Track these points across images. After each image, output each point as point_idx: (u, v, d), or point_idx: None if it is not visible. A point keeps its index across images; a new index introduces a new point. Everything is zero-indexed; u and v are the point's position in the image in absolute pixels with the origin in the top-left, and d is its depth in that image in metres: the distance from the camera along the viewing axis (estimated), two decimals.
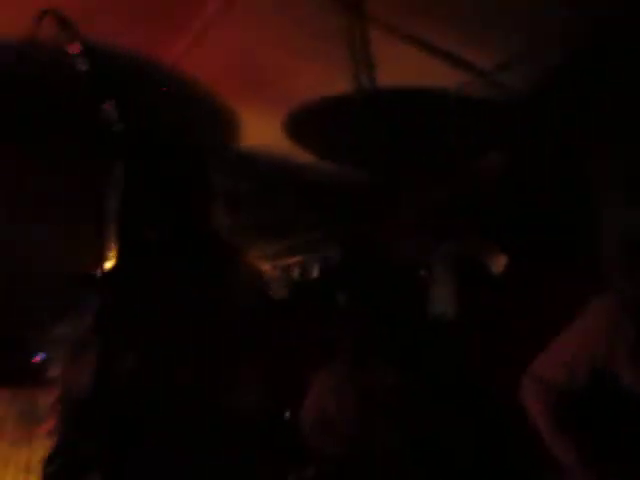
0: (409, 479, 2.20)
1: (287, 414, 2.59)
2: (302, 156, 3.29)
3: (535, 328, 1.87)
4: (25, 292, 2.31)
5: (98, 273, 2.17)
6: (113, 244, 2.16)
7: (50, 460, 2.05)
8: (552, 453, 1.60)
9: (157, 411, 2.05)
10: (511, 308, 2.64)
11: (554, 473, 1.60)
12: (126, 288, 2.15)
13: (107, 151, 2.22)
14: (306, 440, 2.42)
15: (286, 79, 2.76)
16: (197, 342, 2.14)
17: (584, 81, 2.68)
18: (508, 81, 2.61)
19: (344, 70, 2.61)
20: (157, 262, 2.17)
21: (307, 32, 2.46)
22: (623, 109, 2.64)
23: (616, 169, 2.65)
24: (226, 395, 2.20)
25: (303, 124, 3.05)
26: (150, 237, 2.20)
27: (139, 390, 2.06)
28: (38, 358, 2.33)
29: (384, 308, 2.69)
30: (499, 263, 3.06)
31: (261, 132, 3.16)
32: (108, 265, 2.16)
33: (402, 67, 2.64)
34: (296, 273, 3.47)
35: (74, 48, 1.93)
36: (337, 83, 2.70)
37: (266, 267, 3.43)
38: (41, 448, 2.30)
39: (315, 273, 3.26)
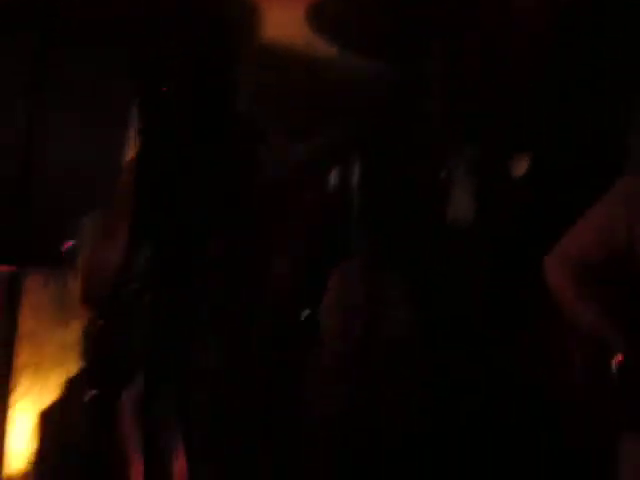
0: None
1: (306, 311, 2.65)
2: (325, 50, 3.22)
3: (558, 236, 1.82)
4: (58, 180, 2.35)
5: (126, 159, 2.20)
6: (138, 123, 2.18)
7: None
8: (580, 327, 1.61)
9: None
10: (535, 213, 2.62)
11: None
12: (152, 169, 2.18)
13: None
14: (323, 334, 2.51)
15: None
16: (226, 217, 2.19)
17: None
18: None
19: None
20: (183, 141, 2.20)
21: None
22: None
23: None
24: (259, 270, 2.28)
25: (326, 16, 2.97)
26: (175, 117, 2.21)
27: (170, 268, 2.14)
28: (69, 244, 2.40)
29: (403, 211, 2.72)
30: (522, 165, 3.04)
31: (283, 23, 3.09)
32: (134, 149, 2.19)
33: None
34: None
35: None
36: None
37: None
38: (77, 329, 2.42)
39: (335, 179, 3.25)
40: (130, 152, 2.33)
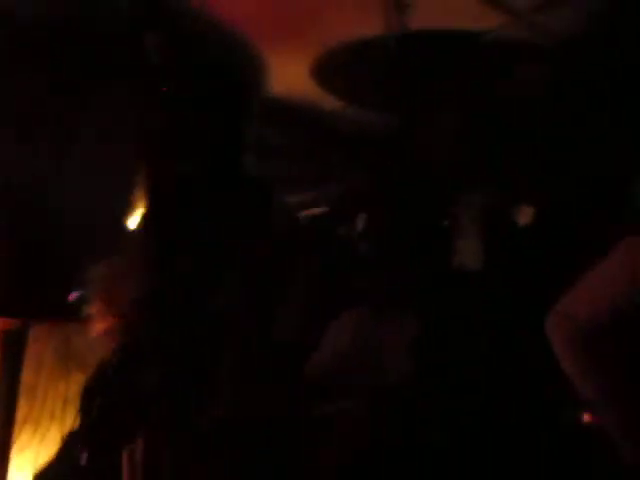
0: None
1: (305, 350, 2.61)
2: (330, 103, 3.27)
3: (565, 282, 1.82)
4: (64, 229, 2.35)
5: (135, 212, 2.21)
6: (148, 178, 2.20)
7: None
8: (578, 390, 1.59)
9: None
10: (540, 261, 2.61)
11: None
12: (160, 226, 2.19)
13: (144, 86, 2.23)
14: (324, 377, 2.46)
15: (316, 24, 2.73)
16: (233, 282, 2.18)
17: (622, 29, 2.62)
18: (546, 23, 2.55)
19: (376, 14, 2.58)
20: (191, 198, 2.21)
21: None
22: None
23: None
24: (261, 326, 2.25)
25: (332, 70, 3.02)
26: (184, 171, 2.23)
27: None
28: (74, 295, 2.38)
29: (406, 258, 2.70)
30: (527, 214, 3.04)
31: (289, 78, 3.14)
32: (144, 202, 2.20)
33: (435, 10, 2.59)
34: (322, 224, 3.47)
35: None
36: (368, 26, 2.67)
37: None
38: (78, 382, 2.38)
39: (341, 225, 3.26)
40: (140, 206, 2.34)
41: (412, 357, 2.40)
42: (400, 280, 2.64)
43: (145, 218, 2.23)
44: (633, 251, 1.56)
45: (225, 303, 2.16)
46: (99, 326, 2.26)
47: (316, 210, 3.73)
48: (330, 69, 3.03)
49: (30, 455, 2.49)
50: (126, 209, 2.32)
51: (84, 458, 2.13)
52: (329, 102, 3.31)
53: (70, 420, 2.39)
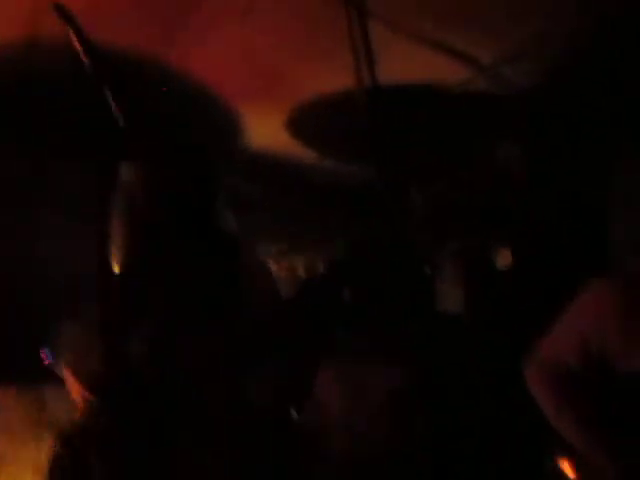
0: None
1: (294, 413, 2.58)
2: (306, 155, 3.30)
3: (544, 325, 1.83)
4: (34, 289, 2.32)
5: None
6: (121, 241, 2.16)
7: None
8: (560, 435, 1.59)
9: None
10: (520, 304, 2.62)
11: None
12: (136, 285, 2.15)
13: (111, 150, 2.23)
14: (313, 438, 2.41)
15: (288, 79, 2.77)
16: (207, 342, 2.13)
17: (587, 81, 2.69)
18: (512, 76, 2.61)
19: (346, 68, 2.62)
20: (166, 257, 2.17)
21: (308, 30, 2.47)
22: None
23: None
24: (235, 391, 2.20)
25: (306, 123, 3.05)
26: (158, 236, 2.20)
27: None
28: (45, 356, 2.32)
29: (388, 305, 2.69)
30: (506, 259, 3.06)
31: (264, 132, 3.17)
32: (117, 264, 2.16)
33: (405, 64, 2.64)
34: (301, 272, 3.47)
35: (77, 44, 1.93)
36: (339, 81, 2.70)
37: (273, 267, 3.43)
38: (49, 447, 2.29)
39: (320, 272, 3.25)
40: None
41: (394, 405, 2.38)
42: (383, 328, 2.61)
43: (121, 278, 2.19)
44: (597, 293, 1.58)
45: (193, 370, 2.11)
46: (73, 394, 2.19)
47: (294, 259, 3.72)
48: (303, 123, 3.06)
49: None
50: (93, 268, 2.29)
51: None
52: (305, 155, 3.33)
53: None
